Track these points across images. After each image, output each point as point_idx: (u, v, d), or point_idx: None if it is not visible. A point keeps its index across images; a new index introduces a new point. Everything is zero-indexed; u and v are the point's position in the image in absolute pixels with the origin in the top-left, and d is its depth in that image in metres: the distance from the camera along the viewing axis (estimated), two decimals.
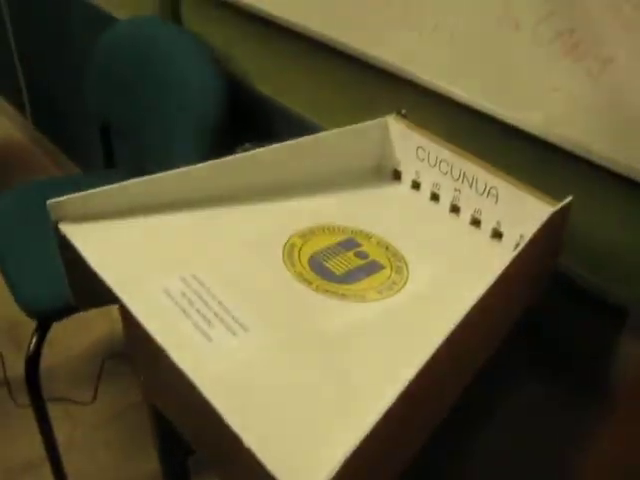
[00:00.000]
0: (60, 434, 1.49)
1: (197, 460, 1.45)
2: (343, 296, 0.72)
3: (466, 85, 0.94)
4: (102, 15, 1.80)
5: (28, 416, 1.68)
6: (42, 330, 1.31)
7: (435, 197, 0.90)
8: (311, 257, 0.77)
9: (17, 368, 1.80)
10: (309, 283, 0.73)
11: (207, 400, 0.58)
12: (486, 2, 0.86)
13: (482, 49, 0.89)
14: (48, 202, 0.75)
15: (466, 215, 0.87)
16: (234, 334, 0.65)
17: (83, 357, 1.90)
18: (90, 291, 0.83)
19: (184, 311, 0.66)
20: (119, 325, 1.96)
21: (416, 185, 0.92)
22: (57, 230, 0.76)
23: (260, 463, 0.53)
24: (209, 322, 0.65)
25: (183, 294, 0.69)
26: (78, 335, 1.95)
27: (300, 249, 0.78)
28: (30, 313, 1.30)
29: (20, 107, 2.81)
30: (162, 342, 0.62)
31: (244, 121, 1.42)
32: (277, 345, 0.64)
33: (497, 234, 0.84)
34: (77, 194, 0.76)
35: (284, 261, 0.76)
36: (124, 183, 0.78)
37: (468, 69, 0.92)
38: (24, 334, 1.92)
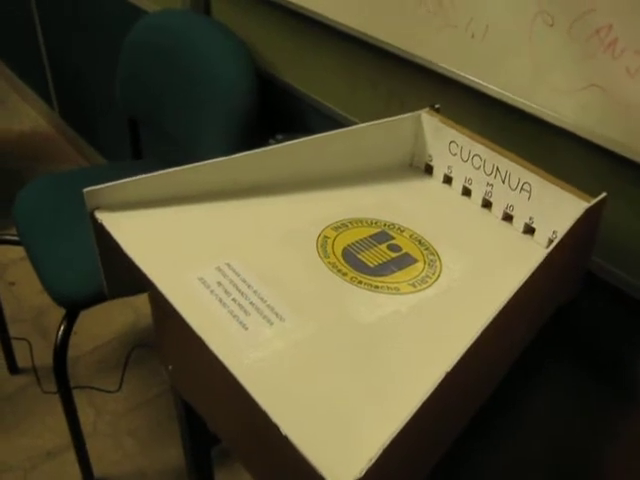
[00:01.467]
0: (84, 422, 1.50)
1: (221, 450, 1.47)
2: (377, 288, 0.72)
3: (499, 80, 0.94)
4: (132, 7, 1.81)
5: (53, 403, 1.70)
6: (70, 318, 1.32)
7: (467, 192, 0.90)
8: (344, 249, 0.77)
9: (43, 356, 1.82)
10: (343, 274, 0.73)
11: (244, 389, 0.58)
12: None
13: (516, 44, 0.89)
14: (85, 190, 0.76)
15: (498, 210, 0.87)
16: (270, 323, 0.65)
17: (107, 346, 1.92)
18: (123, 280, 0.84)
19: (220, 300, 0.67)
20: (143, 315, 1.99)
21: (448, 180, 0.92)
22: (93, 218, 0.77)
23: (297, 452, 0.54)
24: (245, 311, 0.66)
25: (219, 283, 0.69)
26: (102, 324, 1.97)
27: (334, 241, 0.78)
28: (59, 301, 1.31)
29: (47, 97, 2.84)
30: (199, 331, 0.63)
31: (274, 113, 1.43)
32: (313, 335, 0.65)
33: (529, 230, 0.84)
34: (113, 183, 0.77)
35: (318, 252, 0.76)
36: (159, 172, 0.79)
37: (502, 64, 0.92)
38: (49, 322, 1.95)
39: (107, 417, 1.72)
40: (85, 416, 1.67)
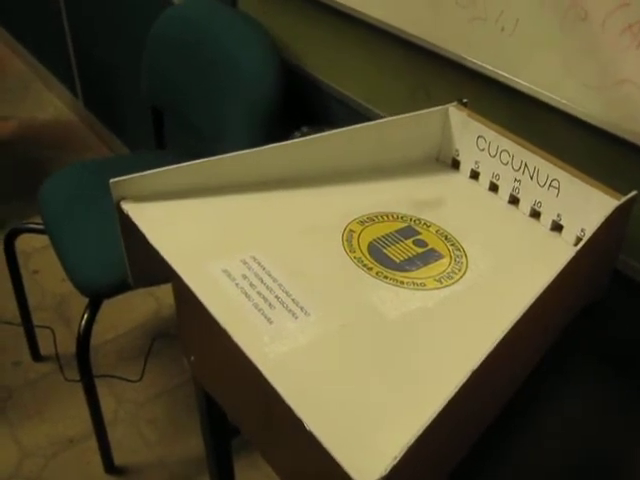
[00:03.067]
0: (105, 410, 1.51)
1: (241, 441, 1.47)
2: (402, 283, 0.71)
3: (528, 74, 0.93)
4: None
5: (75, 390, 1.71)
6: (93, 307, 1.33)
7: (494, 187, 0.89)
8: (370, 243, 0.77)
9: (66, 343, 1.83)
10: (368, 269, 0.73)
11: (269, 383, 0.58)
12: None
13: (547, 38, 0.88)
14: (111, 181, 0.76)
15: (525, 207, 0.86)
16: (295, 317, 0.65)
17: (128, 335, 1.93)
18: (148, 270, 0.84)
19: (245, 293, 0.67)
20: (164, 304, 1.99)
21: (475, 175, 0.91)
22: (119, 209, 0.77)
23: (321, 447, 0.53)
24: (270, 304, 0.66)
25: (244, 276, 0.69)
26: (123, 313, 1.98)
27: (359, 235, 0.78)
28: (82, 291, 1.32)
29: (71, 86, 2.85)
30: (224, 324, 0.63)
31: (298, 105, 1.42)
32: (338, 330, 0.65)
33: (557, 227, 0.83)
34: (139, 174, 0.77)
35: (343, 246, 0.76)
36: (185, 164, 0.79)
37: (531, 58, 0.91)
38: (72, 310, 1.97)
39: (127, 406, 1.73)
40: (106, 404, 1.67)
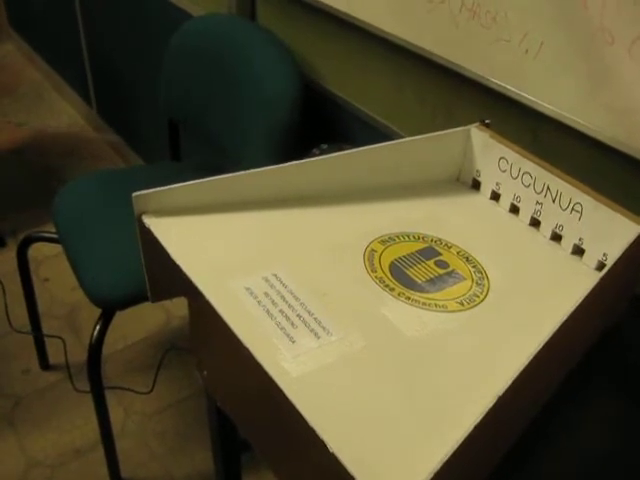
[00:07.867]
0: (113, 421, 1.50)
1: (250, 456, 1.46)
2: (424, 305, 0.71)
3: (552, 97, 0.92)
4: (177, 10, 1.82)
5: (83, 400, 1.71)
6: (106, 319, 1.32)
7: (515, 209, 0.89)
8: (392, 263, 0.76)
9: (75, 353, 1.83)
10: (390, 289, 0.72)
11: (291, 403, 0.57)
12: (580, 14, 0.84)
13: (572, 61, 0.88)
14: (133, 195, 0.76)
15: (546, 230, 0.85)
16: (317, 337, 0.65)
17: (137, 346, 1.93)
18: (166, 285, 0.84)
19: (267, 311, 0.67)
20: (174, 316, 1.99)
21: (495, 196, 0.91)
22: (141, 223, 0.77)
23: (345, 470, 0.53)
24: (292, 323, 0.65)
25: (266, 294, 0.69)
26: (133, 324, 1.98)
27: (381, 255, 0.77)
28: (96, 302, 1.32)
29: (85, 95, 2.86)
30: (246, 342, 0.62)
31: (317, 122, 1.42)
32: (360, 350, 0.64)
33: (578, 251, 0.83)
34: (162, 188, 0.77)
35: (365, 266, 0.75)
36: (208, 179, 0.78)
37: (556, 81, 0.91)
38: (82, 319, 1.96)
39: (135, 417, 1.73)
40: (114, 415, 1.66)
